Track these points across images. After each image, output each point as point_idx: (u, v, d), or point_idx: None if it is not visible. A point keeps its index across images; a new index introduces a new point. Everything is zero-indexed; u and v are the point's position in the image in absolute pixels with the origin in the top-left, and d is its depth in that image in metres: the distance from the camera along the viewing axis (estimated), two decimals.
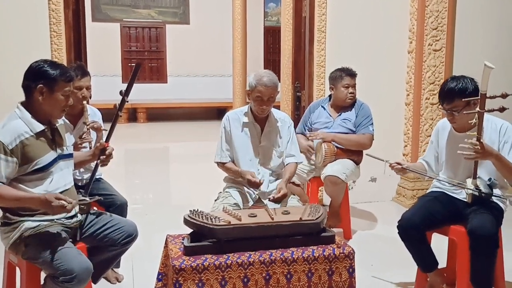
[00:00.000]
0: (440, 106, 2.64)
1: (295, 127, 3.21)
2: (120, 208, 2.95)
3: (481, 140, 2.37)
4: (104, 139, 2.62)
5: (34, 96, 2.15)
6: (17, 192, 2.10)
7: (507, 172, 2.49)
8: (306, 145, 3.66)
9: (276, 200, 2.72)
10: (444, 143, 2.77)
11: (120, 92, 2.37)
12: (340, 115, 3.72)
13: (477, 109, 2.37)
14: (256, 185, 2.75)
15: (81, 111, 2.93)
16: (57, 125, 2.30)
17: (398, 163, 2.73)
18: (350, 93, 3.67)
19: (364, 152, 3.42)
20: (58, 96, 2.17)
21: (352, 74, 3.71)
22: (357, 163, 3.68)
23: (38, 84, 2.13)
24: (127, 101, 2.41)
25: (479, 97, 2.42)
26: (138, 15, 11.91)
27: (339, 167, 3.48)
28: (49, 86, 2.14)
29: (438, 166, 2.87)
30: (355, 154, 3.66)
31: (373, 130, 3.66)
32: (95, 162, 2.53)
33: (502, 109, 2.36)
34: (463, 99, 2.47)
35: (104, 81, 10.17)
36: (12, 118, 2.17)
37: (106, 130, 2.89)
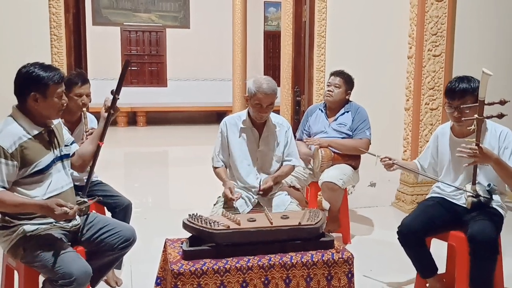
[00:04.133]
0: (447, 105, 2.63)
1: (294, 132, 3.21)
2: (125, 209, 2.97)
3: (480, 145, 2.38)
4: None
5: (29, 102, 2.15)
6: (18, 197, 2.10)
7: (507, 176, 2.49)
8: (305, 153, 3.63)
9: (262, 192, 2.77)
10: (445, 149, 2.77)
11: (111, 91, 2.37)
12: (336, 119, 3.71)
13: (476, 115, 2.38)
14: (230, 200, 2.76)
15: (80, 118, 2.95)
16: (52, 126, 2.30)
17: (388, 158, 2.74)
18: (328, 91, 3.71)
19: (357, 147, 3.44)
20: (52, 99, 2.17)
21: (335, 73, 3.74)
22: (355, 167, 3.67)
23: (31, 92, 2.13)
24: (118, 98, 2.40)
25: (470, 105, 2.47)
26: (138, 19, 11.93)
27: (336, 173, 3.47)
28: (41, 92, 2.14)
29: (432, 171, 2.87)
30: (352, 158, 3.65)
31: (370, 134, 3.65)
32: (90, 164, 2.51)
33: (500, 116, 2.37)
34: (474, 95, 2.51)
35: (104, 85, 10.12)
36: (8, 122, 2.17)
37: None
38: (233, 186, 2.82)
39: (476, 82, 2.57)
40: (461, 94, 2.55)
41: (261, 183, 2.86)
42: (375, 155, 2.77)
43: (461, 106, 2.51)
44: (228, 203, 2.82)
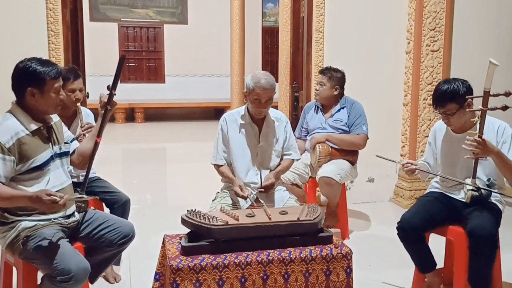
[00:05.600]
0: (435, 110, 2.65)
1: (293, 128, 3.21)
2: (123, 205, 2.97)
3: (483, 138, 2.38)
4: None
5: (26, 98, 2.15)
6: (10, 190, 2.09)
7: (507, 170, 2.49)
8: (301, 149, 3.60)
9: (264, 189, 2.74)
10: (443, 144, 2.77)
11: (108, 87, 2.37)
12: (332, 116, 3.71)
13: (480, 107, 2.38)
14: (242, 197, 2.75)
15: (75, 113, 2.94)
16: (52, 123, 2.29)
17: (410, 163, 2.70)
18: (316, 89, 3.75)
19: (375, 154, 3.41)
20: (49, 94, 2.17)
21: (321, 71, 3.76)
22: (353, 163, 3.67)
23: (28, 87, 2.12)
24: (115, 94, 2.39)
25: (475, 96, 2.47)
26: (136, 14, 11.89)
27: (333, 168, 3.48)
28: (38, 87, 2.13)
29: (437, 167, 2.86)
30: (349, 154, 3.65)
31: (366, 129, 3.64)
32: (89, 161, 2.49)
33: (504, 108, 2.37)
34: (455, 102, 2.51)
35: (102, 81, 10.11)
36: (7, 117, 2.17)
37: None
38: (242, 183, 2.80)
39: (454, 85, 2.53)
40: (441, 101, 2.55)
41: (262, 179, 2.85)
42: (395, 161, 2.68)
43: (469, 99, 2.50)
44: (233, 199, 2.82)
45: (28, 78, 2.13)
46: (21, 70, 2.15)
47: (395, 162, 2.69)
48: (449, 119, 2.58)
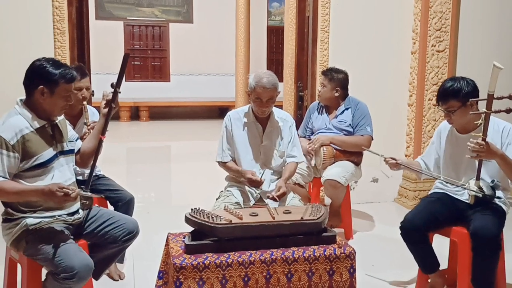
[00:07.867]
0: (439, 107, 2.66)
1: (297, 128, 3.20)
2: (127, 203, 2.98)
3: (486, 140, 2.37)
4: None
5: (35, 95, 2.16)
6: (19, 185, 2.10)
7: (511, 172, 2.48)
8: (307, 149, 3.59)
9: (275, 198, 2.72)
10: (447, 145, 2.77)
11: (112, 85, 2.37)
12: (336, 117, 3.70)
13: (484, 109, 2.37)
14: (257, 183, 2.75)
15: (81, 111, 2.94)
16: (57, 121, 2.30)
17: (393, 158, 2.73)
18: (318, 91, 3.74)
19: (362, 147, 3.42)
20: (58, 97, 2.17)
21: (322, 72, 3.75)
22: (357, 164, 3.66)
23: (39, 85, 2.13)
24: (119, 92, 2.39)
25: (478, 98, 2.48)
26: (141, 13, 11.92)
27: (339, 171, 3.47)
28: (50, 87, 2.14)
29: (437, 167, 2.86)
30: (354, 155, 3.64)
31: (371, 130, 3.62)
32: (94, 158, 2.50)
33: (509, 110, 2.36)
34: (457, 100, 2.52)
35: (107, 79, 10.12)
36: (12, 114, 2.18)
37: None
38: (253, 171, 2.80)
39: (459, 84, 2.54)
40: (444, 98, 2.57)
41: (264, 177, 2.84)
42: (379, 155, 2.74)
43: (471, 99, 2.49)
44: (238, 198, 2.82)
45: (42, 76, 2.14)
46: (37, 67, 2.16)
47: (379, 155, 2.72)
48: (451, 117, 2.59)
